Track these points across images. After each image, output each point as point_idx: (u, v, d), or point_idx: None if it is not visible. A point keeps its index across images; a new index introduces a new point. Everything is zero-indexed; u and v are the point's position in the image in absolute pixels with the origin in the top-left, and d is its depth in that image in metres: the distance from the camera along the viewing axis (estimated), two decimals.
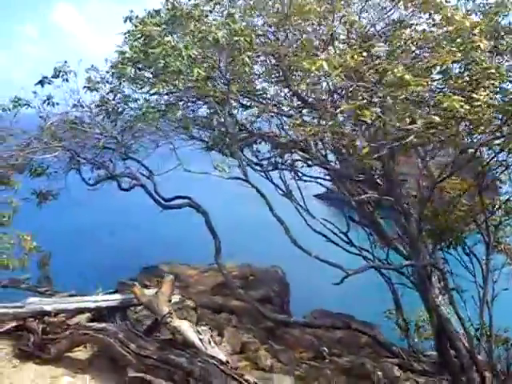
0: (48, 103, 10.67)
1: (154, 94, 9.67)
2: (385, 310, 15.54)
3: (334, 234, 13.87)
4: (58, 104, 10.88)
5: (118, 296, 7.62)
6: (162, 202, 12.03)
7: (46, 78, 10.14)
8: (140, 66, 8.17)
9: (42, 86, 10.14)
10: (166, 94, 10.23)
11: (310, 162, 12.03)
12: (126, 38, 8.75)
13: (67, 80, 10.42)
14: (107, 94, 10.21)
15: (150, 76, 8.80)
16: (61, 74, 10.27)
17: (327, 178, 14.32)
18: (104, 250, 28.53)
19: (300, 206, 12.73)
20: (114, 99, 9.49)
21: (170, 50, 6.57)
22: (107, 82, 11.46)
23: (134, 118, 9.27)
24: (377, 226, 13.74)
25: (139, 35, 7.29)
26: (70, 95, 11.01)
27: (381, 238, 14.11)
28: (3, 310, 6.81)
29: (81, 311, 7.39)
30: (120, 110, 9.42)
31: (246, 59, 7.06)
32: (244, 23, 7.34)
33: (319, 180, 14.24)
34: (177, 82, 7.42)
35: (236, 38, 6.79)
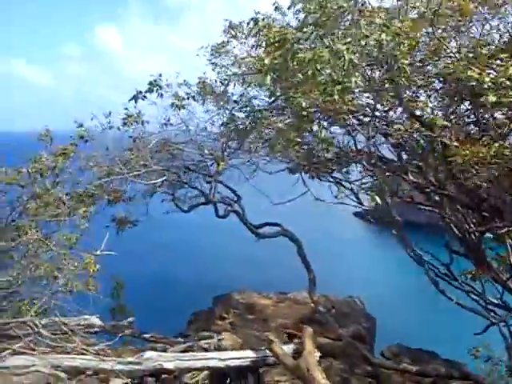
0: (137, 122, 9.69)
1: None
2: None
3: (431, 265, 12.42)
4: (148, 122, 9.91)
5: (249, 353, 6.36)
6: (253, 229, 10.78)
7: (141, 92, 9.15)
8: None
9: (136, 101, 9.15)
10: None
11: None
12: (255, 43, 7.69)
13: (162, 95, 9.42)
14: (233, 109, 9.14)
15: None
16: (155, 88, 9.28)
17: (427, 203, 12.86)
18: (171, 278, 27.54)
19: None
20: (247, 115, 8.36)
21: (325, 53, 5.39)
22: (193, 98, 10.53)
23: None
24: (483, 259, 12.20)
25: (275, 39, 6.14)
26: (162, 112, 10.10)
27: (488, 272, 12.55)
28: (119, 367, 5.64)
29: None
30: (250, 126, 8.28)
31: (405, 66, 5.82)
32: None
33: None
34: (320, 92, 6.19)
35: (400, 41, 5.59)
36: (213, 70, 11.59)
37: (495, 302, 11.56)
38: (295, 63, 5.96)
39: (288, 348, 6.19)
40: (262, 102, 11.65)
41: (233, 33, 10.40)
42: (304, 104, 6.22)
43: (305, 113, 6.27)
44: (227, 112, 11.12)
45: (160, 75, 9.37)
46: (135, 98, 9.10)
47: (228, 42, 10.34)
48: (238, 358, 6.08)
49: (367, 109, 7.55)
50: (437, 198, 11.80)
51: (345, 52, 5.32)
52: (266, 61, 6.14)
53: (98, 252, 7.69)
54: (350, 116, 7.50)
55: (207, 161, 10.09)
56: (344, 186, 12.85)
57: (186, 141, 9.91)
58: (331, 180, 12.91)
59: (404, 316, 23.55)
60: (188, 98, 10.60)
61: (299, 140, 7.40)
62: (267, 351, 6.08)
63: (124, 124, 9.09)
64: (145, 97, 9.23)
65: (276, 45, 6.22)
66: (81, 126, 9.40)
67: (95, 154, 9.56)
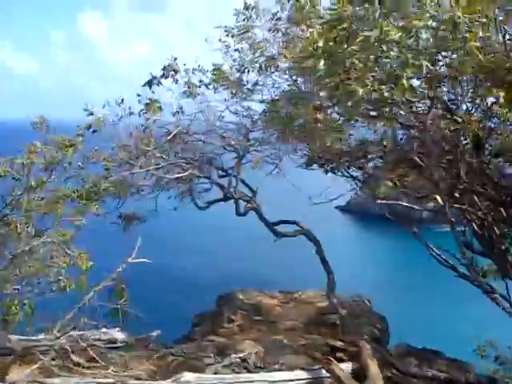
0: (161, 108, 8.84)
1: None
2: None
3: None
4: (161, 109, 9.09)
5: (301, 374, 5.66)
6: (272, 227, 10.07)
7: (155, 78, 8.34)
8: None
9: (150, 87, 8.33)
10: None
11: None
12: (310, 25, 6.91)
13: (177, 81, 8.62)
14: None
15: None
16: (170, 73, 8.47)
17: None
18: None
19: None
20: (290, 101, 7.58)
21: (395, 31, 4.69)
22: (206, 86, 9.74)
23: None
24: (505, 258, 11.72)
25: (330, 17, 5.41)
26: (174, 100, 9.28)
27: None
28: None
29: None
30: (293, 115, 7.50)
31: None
32: None
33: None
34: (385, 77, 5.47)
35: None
36: (225, 54, 10.80)
37: None
38: (355, 45, 5.26)
39: (346, 367, 5.50)
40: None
41: (252, 15, 9.62)
42: (361, 92, 5.48)
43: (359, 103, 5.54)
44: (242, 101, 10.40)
45: (175, 59, 8.56)
46: (149, 83, 8.29)
47: (251, 26, 9.53)
48: (290, 381, 5.40)
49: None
50: (456, 194, 11.27)
51: (422, 31, 4.63)
52: (320, 43, 5.41)
53: (130, 259, 6.84)
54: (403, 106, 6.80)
55: (224, 153, 9.31)
56: (359, 181, 12.30)
57: (204, 131, 9.12)
58: (346, 175, 12.33)
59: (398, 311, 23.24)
60: (200, 86, 9.84)
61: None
62: (322, 371, 5.40)
63: (145, 112, 8.23)
64: (159, 82, 8.42)
65: (329, 24, 5.50)
66: (91, 114, 8.54)
67: (102, 145, 8.69)
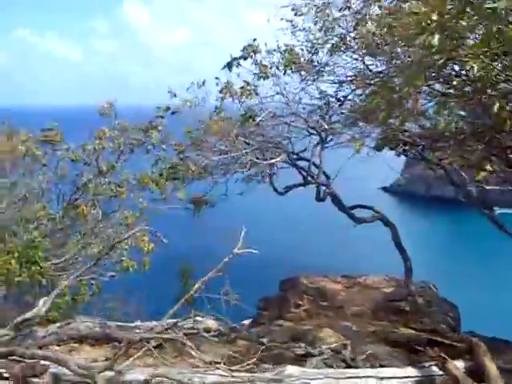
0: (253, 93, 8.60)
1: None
2: None
3: None
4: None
5: (411, 371, 5.40)
6: (349, 212, 9.76)
7: (236, 59, 8.11)
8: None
9: (230, 69, 8.11)
10: None
11: None
12: None
13: (257, 62, 8.36)
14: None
15: None
16: (250, 54, 8.22)
17: None
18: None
19: None
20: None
21: None
22: (278, 68, 9.41)
23: None
24: None
25: None
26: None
27: None
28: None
29: None
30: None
31: None
32: None
33: None
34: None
35: None
36: (292, 35, 10.44)
37: None
38: (476, 17, 4.84)
39: (460, 365, 5.20)
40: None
41: None
42: (476, 69, 5.07)
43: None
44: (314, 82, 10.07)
45: (255, 39, 8.29)
46: (229, 64, 8.07)
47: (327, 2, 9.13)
48: (399, 378, 5.15)
49: None
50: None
51: None
52: (434, 16, 5.01)
53: (236, 250, 6.72)
54: None
55: (305, 136, 9.01)
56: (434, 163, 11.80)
57: (286, 114, 8.85)
58: (419, 157, 11.87)
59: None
60: (271, 68, 9.55)
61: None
62: (433, 369, 5.13)
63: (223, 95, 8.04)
64: (239, 64, 8.18)
65: None
66: (174, 95, 8.41)
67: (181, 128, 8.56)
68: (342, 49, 10.29)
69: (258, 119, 8.42)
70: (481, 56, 5.24)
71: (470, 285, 34.17)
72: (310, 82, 10.10)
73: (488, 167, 8.08)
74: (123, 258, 12.91)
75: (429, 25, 5.14)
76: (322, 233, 47.79)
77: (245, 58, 8.19)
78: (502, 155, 10.07)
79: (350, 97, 9.64)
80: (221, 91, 8.26)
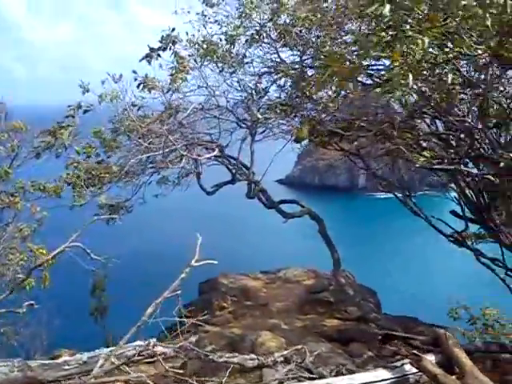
0: (144, 86, 7.87)
1: None
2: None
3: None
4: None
5: (383, 374, 5.10)
6: (278, 207, 9.46)
7: (154, 49, 7.38)
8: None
9: (150, 62, 7.37)
10: None
11: None
12: None
13: (175, 54, 7.70)
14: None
15: None
16: (169, 45, 7.54)
17: None
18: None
19: None
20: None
21: None
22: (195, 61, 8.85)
23: None
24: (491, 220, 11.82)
25: None
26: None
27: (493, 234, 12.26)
28: None
29: None
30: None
31: None
32: None
33: None
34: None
35: None
36: (204, 26, 9.88)
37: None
38: None
39: (434, 365, 5.00)
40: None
41: None
42: (426, 44, 4.83)
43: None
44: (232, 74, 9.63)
45: (173, 29, 7.62)
46: (149, 56, 7.31)
47: None
48: (375, 382, 4.85)
49: None
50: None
51: None
52: None
53: (194, 262, 5.97)
54: None
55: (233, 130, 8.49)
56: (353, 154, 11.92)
57: (211, 107, 8.25)
58: (337, 149, 11.94)
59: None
60: (189, 60, 8.91)
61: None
62: (405, 367, 4.91)
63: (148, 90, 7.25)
64: (159, 55, 7.46)
65: None
66: (87, 91, 7.44)
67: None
68: (259, 40, 9.99)
69: (184, 115, 7.75)
70: (432, 31, 5.06)
71: (368, 267, 36.03)
72: (228, 75, 9.62)
73: (425, 153, 8.17)
74: (19, 275, 11.42)
75: None
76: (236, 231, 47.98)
77: (163, 49, 7.48)
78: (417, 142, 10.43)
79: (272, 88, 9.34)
80: (138, 86, 7.47)
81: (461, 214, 11.87)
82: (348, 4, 7.21)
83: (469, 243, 12.07)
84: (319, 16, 9.24)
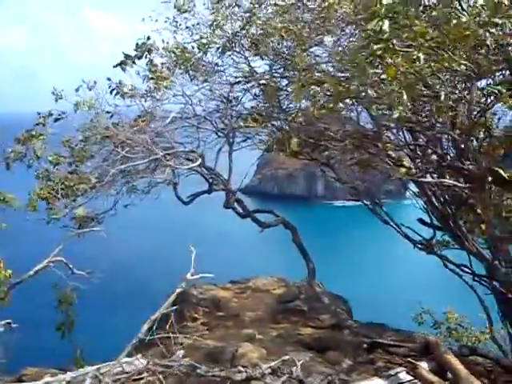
0: (118, 93, 7.67)
1: None
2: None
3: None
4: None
5: (379, 382, 5.07)
6: (254, 217, 9.40)
7: (130, 57, 7.21)
8: None
9: (124, 69, 7.20)
10: None
11: None
12: None
13: (151, 61, 7.57)
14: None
15: None
16: (145, 53, 7.40)
17: None
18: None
19: None
20: None
21: None
22: (168, 69, 8.74)
23: None
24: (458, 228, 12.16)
25: None
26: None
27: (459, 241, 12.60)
28: None
29: None
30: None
31: None
32: None
33: None
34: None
35: None
36: (175, 33, 9.75)
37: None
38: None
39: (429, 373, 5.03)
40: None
41: None
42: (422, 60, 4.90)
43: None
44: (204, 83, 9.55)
45: (148, 38, 7.47)
46: (123, 64, 7.14)
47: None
48: None
49: None
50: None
51: None
52: (384, 1, 4.76)
53: (189, 276, 5.76)
54: None
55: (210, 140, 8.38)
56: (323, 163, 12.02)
57: (187, 116, 8.11)
58: (308, 158, 12.02)
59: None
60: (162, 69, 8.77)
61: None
62: (400, 376, 4.91)
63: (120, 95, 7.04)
64: (134, 63, 7.30)
65: None
66: (60, 98, 7.15)
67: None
68: (231, 49, 9.97)
69: (164, 123, 7.57)
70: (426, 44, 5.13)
71: (333, 275, 36.41)
72: (200, 84, 9.53)
73: (406, 163, 8.29)
74: None
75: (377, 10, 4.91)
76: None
77: (139, 58, 7.30)
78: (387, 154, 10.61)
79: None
80: (112, 92, 7.25)
81: (428, 221, 12.15)
82: (329, 16, 7.27)
83: (436, 250, 12.37)
84: (292, 27, 9.31)
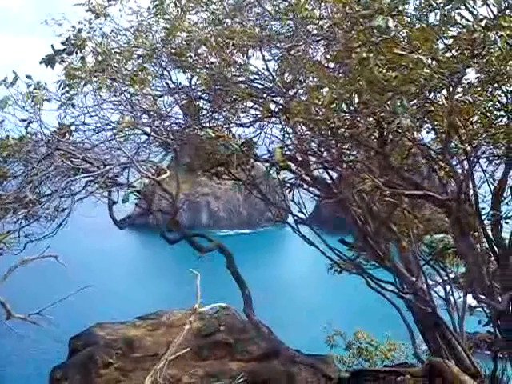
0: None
1: None
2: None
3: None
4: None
5: None
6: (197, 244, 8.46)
7: (59, 52, 6.05)
8: None
9: (53, 66, 6.03)
10: None
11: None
12: None
13: (83, 58, 6.47)
14: None
15: None
16: (77, 47, 6.31)
17: None
18: None
19: None
20: None
21: None
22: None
23: None
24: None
25: None
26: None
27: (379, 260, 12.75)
28: None
29: None
30: None
31: None
32: None
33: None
34: None
35: None
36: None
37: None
38: None
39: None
40: None
41: None
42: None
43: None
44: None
45: (80, 30, 6.36)
46: (51, 60, 5.96)
47: None
48: None
49: None
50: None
51: None
52: None
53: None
54: None
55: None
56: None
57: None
58: (233, 179, 11.36)
59: None
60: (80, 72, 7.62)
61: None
62: None
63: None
64: (63, 60, 6.15)
65: None
66: None
67: None
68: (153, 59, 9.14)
69: (105, 134, 6.36)
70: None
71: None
72: (118, 93, 8.46)
73: None
74: None
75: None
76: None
77: (69, 54, 6.12)
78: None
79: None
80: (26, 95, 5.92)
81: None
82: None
83: (358, 270, 12.33)
84: (221, 39, 8.76)
